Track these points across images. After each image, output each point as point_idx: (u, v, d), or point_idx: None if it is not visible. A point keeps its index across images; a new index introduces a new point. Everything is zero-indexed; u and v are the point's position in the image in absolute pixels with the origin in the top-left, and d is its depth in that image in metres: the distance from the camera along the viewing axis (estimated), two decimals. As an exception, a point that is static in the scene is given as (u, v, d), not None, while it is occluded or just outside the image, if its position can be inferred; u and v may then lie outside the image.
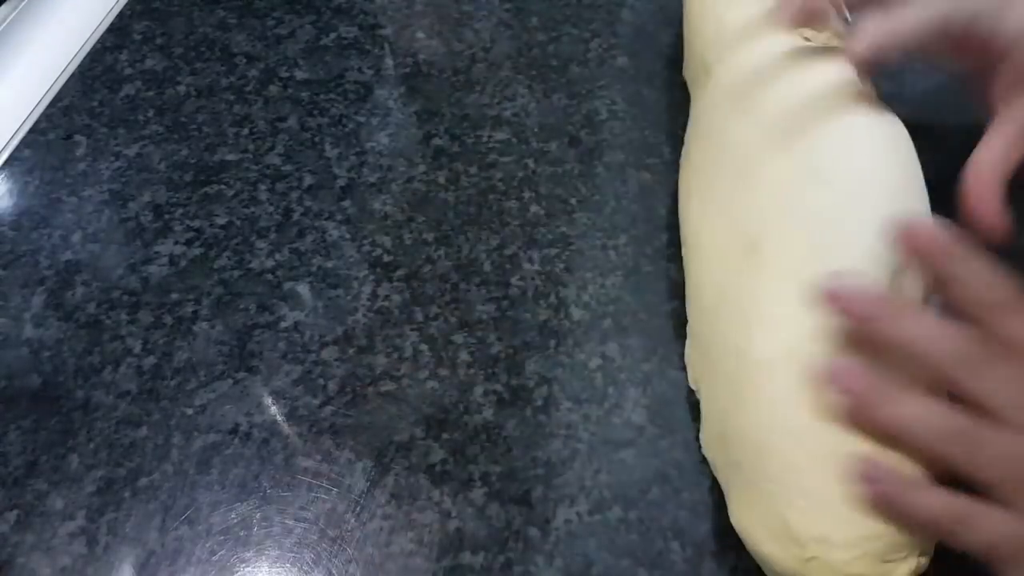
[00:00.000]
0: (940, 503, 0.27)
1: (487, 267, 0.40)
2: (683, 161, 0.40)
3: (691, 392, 0.35)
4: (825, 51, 0.37)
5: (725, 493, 0.32)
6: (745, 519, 0.30)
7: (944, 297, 0.30)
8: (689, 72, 0.44)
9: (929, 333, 0.28)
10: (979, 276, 0.29)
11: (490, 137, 0.45)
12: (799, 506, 0.29)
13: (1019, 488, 0.26)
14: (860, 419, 0.28)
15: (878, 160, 0.34)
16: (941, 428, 0.28)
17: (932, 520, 0.27)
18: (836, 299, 0.29)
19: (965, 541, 0.27)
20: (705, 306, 0.35)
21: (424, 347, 0.38)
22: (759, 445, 0.30)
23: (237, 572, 0.32)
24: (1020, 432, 0.27)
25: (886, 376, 0.28)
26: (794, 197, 0.33)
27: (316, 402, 0.36)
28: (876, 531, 0.28)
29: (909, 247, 0.30)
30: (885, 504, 0.27)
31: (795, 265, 0.32)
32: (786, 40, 0.38)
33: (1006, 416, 0.27)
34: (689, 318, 0.36)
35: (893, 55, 0.35)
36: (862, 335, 0.30)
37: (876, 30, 0.35)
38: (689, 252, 0.37)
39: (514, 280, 0.40)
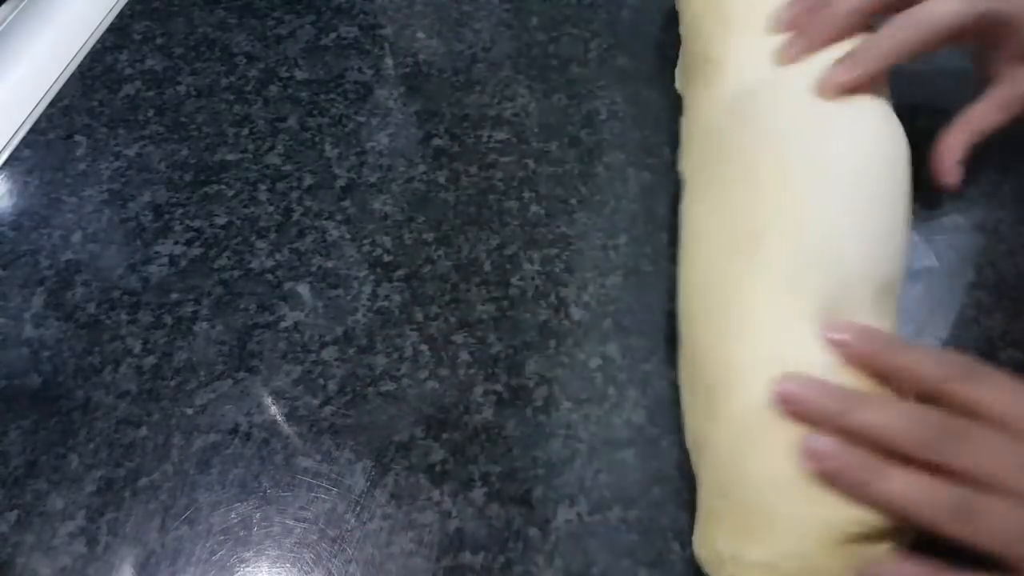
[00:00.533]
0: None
1: (487, 267, 0.40)
2: (683, 160, 0.40)
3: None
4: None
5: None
6: (697, 531, 0.31)
7: (896, 390, 0.29)
8: (686, 69, 0.43)
9: (896, 421, 0.28)
10: (924, 359, 0.29)
11: (490, 137, 0.45)
12: (723, 521, 0.29)
13: None
14: (851, 494, 0.28)
15: (877, 165, 0.34)
16: (934, 503, 0.27)
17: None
18: (789, 402, 0.29)
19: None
20: (691, 309, 0.35)
21: (424, 347, 0.38)
22: (708, 458, 0.31)
23: (237, 572, 0.32)
24: (1012, 497, 0.26)
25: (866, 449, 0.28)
26: (792, 201, 0.33)
27: (316, 402, 0.36)
28: (787, 552, 0.28)
29: (846, 354, 0.29)
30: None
31: (785, 273, 0.32)
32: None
33: (995, 483, 0.26)
34: (678, 318, 0.36)
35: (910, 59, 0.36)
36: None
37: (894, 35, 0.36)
38: (683, 252, 0.37)
39: (514, 280, 0.40)
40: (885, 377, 0.29)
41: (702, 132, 0.39)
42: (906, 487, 0.27)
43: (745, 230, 0.33)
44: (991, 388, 0.28)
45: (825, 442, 0.28)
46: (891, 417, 0.28)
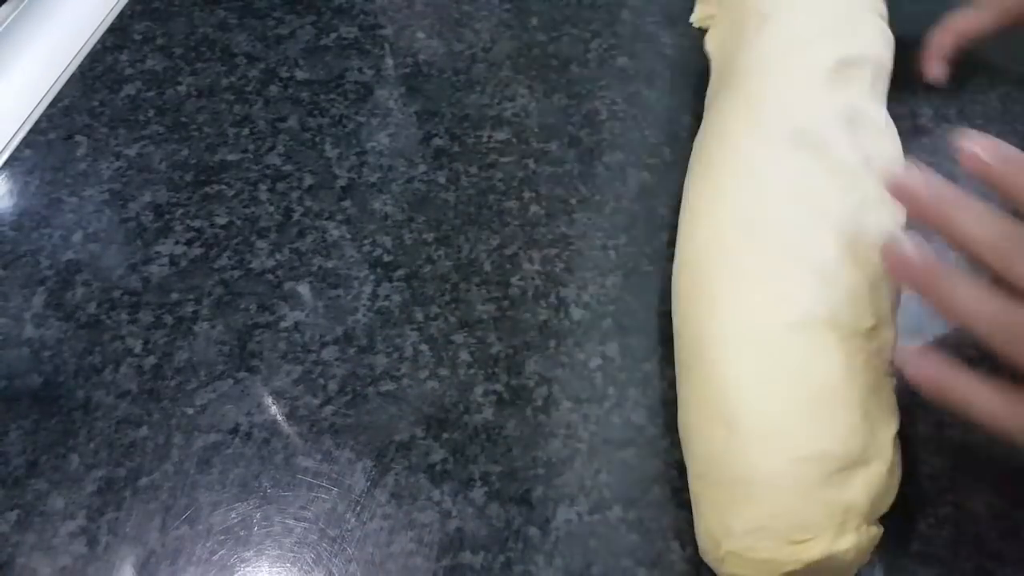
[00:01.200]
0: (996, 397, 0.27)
1: (487, 267, 0.40)
2: (697, 147, 0.40)
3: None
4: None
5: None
6: (696, 527, 0.31)
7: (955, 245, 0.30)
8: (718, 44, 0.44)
9: (987, 231, 0.28)
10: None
11: (490, 137, 0.45)
12: (713, 504, 0.30)
13: None
14: (925, 295, 0.29)
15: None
16: (994, 319, 0.28)
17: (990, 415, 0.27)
18: (900, 189, 0.30)
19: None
20: (681, 289, 0.35)
21: (424, 347, 0.38)
22: (691, 445, 0.32)
23: (237, 572, 0.32)
24: None
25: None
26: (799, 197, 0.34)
27: (316, 402, 0.36)
28: (773, 511, 0.28)
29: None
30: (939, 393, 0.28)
31: (772, 259, 0.32)
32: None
33: None
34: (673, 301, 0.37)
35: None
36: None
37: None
38: (680, 235, 0.37)
39: (514, 280, 0.40)
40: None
41: (718, 129, 0.39)
42: (973, 299, 0.28)
43: (738, 219, 0.34)
44: None
45: (912, 248, 0.29)
46: (983, 225, 0.28)
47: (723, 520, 0.29)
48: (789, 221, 0.33)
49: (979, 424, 0.28)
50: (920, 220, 0.30)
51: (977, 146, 0.29)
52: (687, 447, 0.32)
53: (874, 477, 0.29)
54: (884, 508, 0.30)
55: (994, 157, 0.29)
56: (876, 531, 0.29)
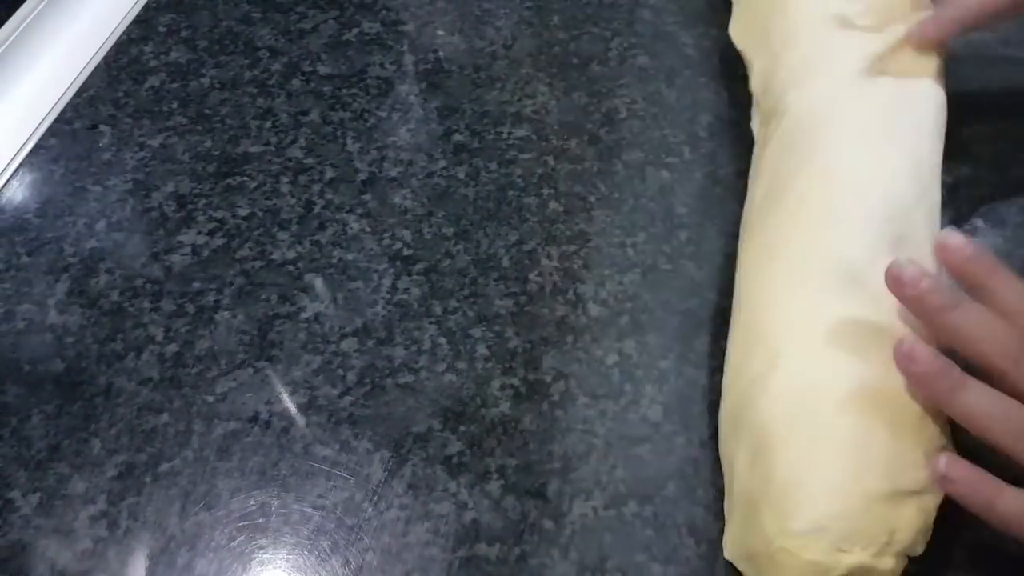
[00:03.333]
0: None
1: (505, 262, 0.40)
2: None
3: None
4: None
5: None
6: (732, 528, 0.32)
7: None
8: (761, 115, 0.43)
9: (988, 332, 0.29)
10: (1012, 284, 0.30)
11: (510, 134, 0.46)
12: (771, 501, 0.30)
13: None
14: (932, 399, 0.29)
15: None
16: (1007, 421, 0.28)
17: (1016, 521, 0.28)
18: (899, 283, 0.30)
19: None
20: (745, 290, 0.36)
21: (442, 340, 0.38)
22: (749, 439, 0.32)
23: (255, 558, 0.32)
24: None
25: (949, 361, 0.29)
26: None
27: (335, 392, 0.36)
28: (834, 514, 0.28)
29: (947, 262, 0.31)
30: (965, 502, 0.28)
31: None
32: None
33: None
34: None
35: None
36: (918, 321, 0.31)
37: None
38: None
39: (532, 276, 0.40)
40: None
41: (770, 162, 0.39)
42: (983, 401, 0.28)
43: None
44: None
45: (920, 348, 0.29)
46: (985, 327, 0.29)
47: (779, 521, 0.29)
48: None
49: (1000, 528, 0.28)
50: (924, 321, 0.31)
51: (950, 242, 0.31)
52: (735, 445, 0.32)
53: (924, 510, 0.29)
54: (919, 546, 0.29)
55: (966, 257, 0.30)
56: (905, 564, 0.29)
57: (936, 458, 0.29)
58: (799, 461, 0.30)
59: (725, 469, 0.33)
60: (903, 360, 0.29)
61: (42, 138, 0.46)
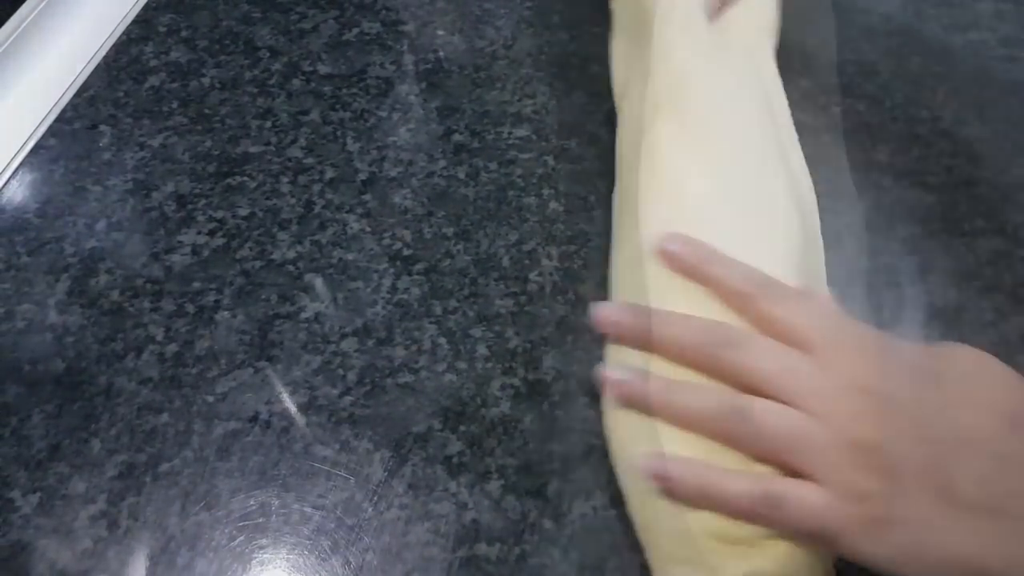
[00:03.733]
0: (748, 485, 0.28)
1: (506, 262, 0.40)
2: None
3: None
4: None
5: None
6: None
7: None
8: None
9: (685, 332, 0.31)
10: (734, 270, 0.31)
11: (510, 134, 0.46)
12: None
13: (806, 460, 0.28)
14: (655, 414, 0.31)
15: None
16: (718, 408, 0.29)
17: (744, 504, 0.28)
18: (602, 325, 0.33)
19: (784, 522, 0.28)
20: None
21: (442, 340, 0.38)
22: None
23: (255, 558, 0.32)
24: (782, 399, 0.28)
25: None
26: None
27: (335, 392, 0.36)
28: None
29: (668, 260, 0.33)
30: (693, 494, 0.29)
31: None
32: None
33: (770, 388, 0.29)
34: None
35: None
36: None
37: None
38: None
39: (532, 276, 0.40)
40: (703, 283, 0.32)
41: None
42: (694, 397, 0.30)
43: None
44: (789, 306, 0.30)
45: (627, 373, 0.32)
46: (683, 329, 0.31)
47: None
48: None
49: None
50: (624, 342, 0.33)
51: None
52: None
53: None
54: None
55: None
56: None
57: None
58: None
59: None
60: (616, 388, 0.32)
61: (42, 138, 0.46)
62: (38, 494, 0.34)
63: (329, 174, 0.44)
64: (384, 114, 0.47)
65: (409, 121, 0.47)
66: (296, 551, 0.32)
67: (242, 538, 0.33)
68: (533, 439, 0.35)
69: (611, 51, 0.46)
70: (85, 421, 0.36)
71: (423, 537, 0.33)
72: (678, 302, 0.32)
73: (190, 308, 0.39)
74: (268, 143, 0.45)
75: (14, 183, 0.44)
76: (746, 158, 0.36)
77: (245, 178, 0.44)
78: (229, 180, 0.44)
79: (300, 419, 0.36)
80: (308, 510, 0.33)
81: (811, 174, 0.39)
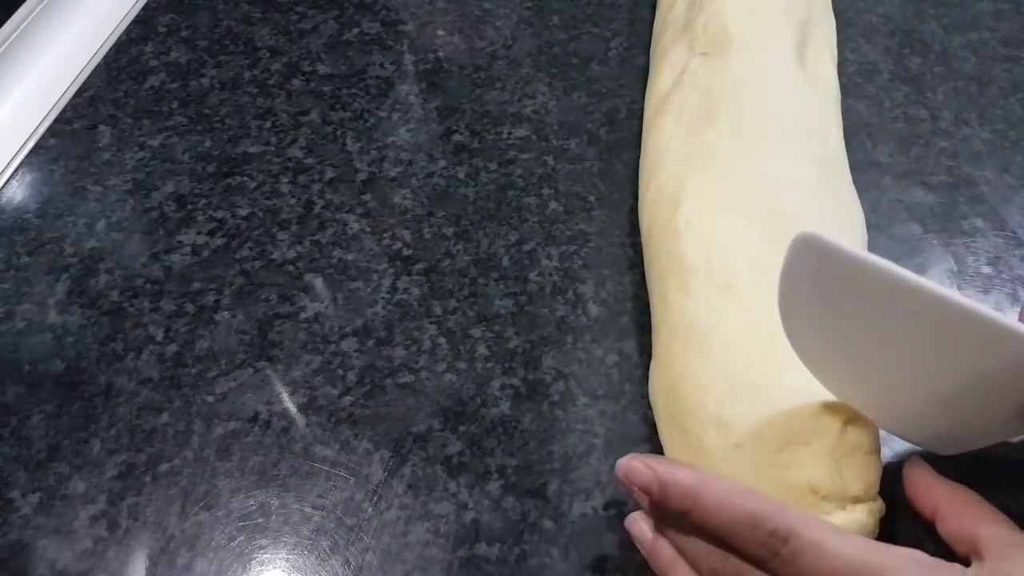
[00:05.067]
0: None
1: (505, 262, 0.40)
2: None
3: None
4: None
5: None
6: None
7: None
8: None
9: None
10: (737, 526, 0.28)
11: (510, 134, 0.46)
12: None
13: None
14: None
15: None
16: None
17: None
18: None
19: None
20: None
21: (442, 340, 0.38)
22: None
23: (255, 558, 0.32)
24: None
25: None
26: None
27: (335, 392, 0.36)
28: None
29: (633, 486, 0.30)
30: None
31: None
32: None
33: None
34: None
35: None
36: None
37: None
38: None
39: (532, 276, 0.40)
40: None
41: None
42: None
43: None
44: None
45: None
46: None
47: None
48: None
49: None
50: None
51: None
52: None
53: (816, 456, 0.29)
54: (851, 488, 0.29)
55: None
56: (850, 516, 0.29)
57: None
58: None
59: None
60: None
61: (42, 138, 0.46)
62: (38, 494, 0.34)
63: (329, 174, 0.44)
64: (384, 114, 0.47)
65: (409, 121, 0.47)
66: (296, 551, 0.32)
67: (242, 538, 0.33)
68: (533, 439, 0.35)
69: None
70: (85, 421, 0.36)
71: (423, 537, 0.33)
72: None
73: (190, 308, 0.39)
74: (268, 143, 0.46)
75: (14, 183, 0.44)
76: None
77: (245, 178, 0.44)
78: (229, 180, 0.44)
79: (300, 419, 0.36)
80: (308, 510, 0.33)
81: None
